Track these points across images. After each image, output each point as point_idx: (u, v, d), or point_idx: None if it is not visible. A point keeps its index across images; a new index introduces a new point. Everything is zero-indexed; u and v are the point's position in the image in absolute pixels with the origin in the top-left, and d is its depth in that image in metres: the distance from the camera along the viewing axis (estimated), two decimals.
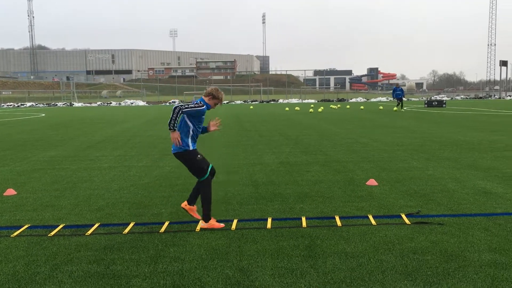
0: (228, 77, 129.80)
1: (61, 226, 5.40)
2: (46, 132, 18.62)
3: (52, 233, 5.16)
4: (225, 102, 65.44)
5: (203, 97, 5.31)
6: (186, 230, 5.20)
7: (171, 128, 4.94)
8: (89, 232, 5.17)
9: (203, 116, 5.23)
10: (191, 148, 5.16)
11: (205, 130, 5.48)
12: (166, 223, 5.43)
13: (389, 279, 3.77)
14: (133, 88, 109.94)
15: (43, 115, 34.42)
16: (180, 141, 5.06)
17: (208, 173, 5.26)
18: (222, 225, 5.29)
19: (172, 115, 4.87)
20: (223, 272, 3.98)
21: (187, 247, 4.62)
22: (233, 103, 63.16)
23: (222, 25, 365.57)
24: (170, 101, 64.43)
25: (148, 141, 14.36)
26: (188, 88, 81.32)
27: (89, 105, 61.19)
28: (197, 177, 5.31)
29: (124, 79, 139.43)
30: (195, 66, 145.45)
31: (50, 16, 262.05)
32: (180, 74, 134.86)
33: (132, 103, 62.92)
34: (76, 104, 62.08)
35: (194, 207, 5.42)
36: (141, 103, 63.36)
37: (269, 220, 5.48)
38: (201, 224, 5.29)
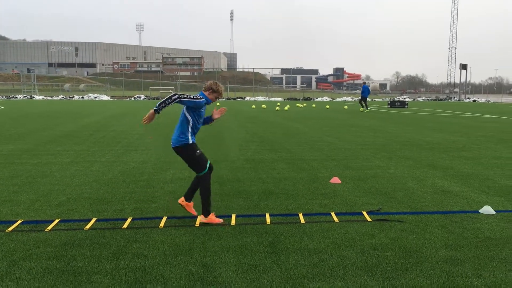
0: (195, 74, 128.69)
1: (19, 222, 5.25)
2: (4, 125, 18.00)
3: (10, 228, 5.01)
4: None
5: (202, 91, 5.29)
6: (150, 226, 5.15)
7: (157, 108, 4.75)
8: (49, 228, 5.05)
9: (203, 110, 5.23)
10: (190, 141, 5.12)
11: (209, 120, 5.47)
12: (129, 219, 5.36)
13: (350, 275, 3.85)
14: (97, 82, 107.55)
15: (2, 107, 33.23)
16: (148, 120, 4.84)
17: (207, 168, 5.24)
18: (221, 220, 5.26)
19: (167, 100, 4.78)
20: (187, 268, 3.98)
21: (150, 243, 4.58)
22: None
23: (190, 20, 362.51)
24: (135, 96, 63.40)
25: (111, 136, 14.11)
26: (154, 84, 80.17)
27: (50, 98, 59.48)
28: (196, 172, 5.27)
29: (87, 72, 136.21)
30: (161, 61, 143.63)
31: (10, 6, 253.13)
32: (146, 69, 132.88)
33: (95, 97, 61.56)
34: (37, 97, 60.23)
35: (191, 203, 5.39)
36: (105, 97, 62.08)
37: (233, 216, 5.50)
38: (201, 218, 5.27)
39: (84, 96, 63.51)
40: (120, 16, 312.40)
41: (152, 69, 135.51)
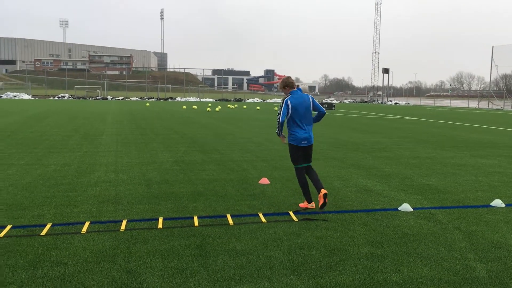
0: (124, 73, 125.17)
1: None
2: None
3: None
4: (120, 98, 62.96)
5: (280, 89, 6.07)
6: (71, 232, 4.91)
7: (278, 133, 6.03)
8: None
9: (299, 106, 5.85)
10: (287, 142, 6.06)
11: (317, 117, 6.20)
12: (48, 225, 5.08)
13: (277, 275, 3.89)
14: (17, 80, 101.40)
15: None
16: (286, 141, 6.08)
17: (299, 164, 6.04)
18: (313, 205, 6.06)
19: (278, 126, 5.94)
20: (110, 275, 3.83)
21: (71, 250, 4.36)
22: (129, 99, 61.04)
23: (118, 18, 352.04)
24: (59, 95, 60.53)
25: (31, 138, 13.34)
26: (79, 83, 76.94)
27: None
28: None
29: (6, 70, 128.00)
30: (87, 59, 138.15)
31: None
32: (71, 67, 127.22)
33: (15, 96, 58.06)
34: None
35: (321, 193, 5.91)
36: (25, 96, 58.77)
37: (160, 220, 5.38)
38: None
39: (2, 95, 59.71)
40: (43, 10, 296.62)
41: (78, 67, 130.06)
